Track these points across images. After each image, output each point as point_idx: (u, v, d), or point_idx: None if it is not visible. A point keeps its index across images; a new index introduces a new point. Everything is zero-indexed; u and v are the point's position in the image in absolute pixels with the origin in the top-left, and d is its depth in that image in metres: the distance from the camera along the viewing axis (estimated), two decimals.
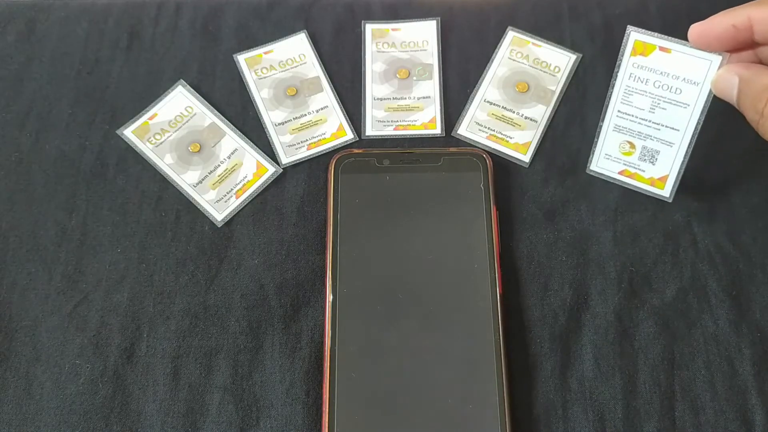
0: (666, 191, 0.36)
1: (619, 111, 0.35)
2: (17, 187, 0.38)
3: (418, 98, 0.41)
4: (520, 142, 0.39)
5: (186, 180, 0.38)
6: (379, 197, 0.36)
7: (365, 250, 0.35)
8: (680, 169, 0.35)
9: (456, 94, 0.41)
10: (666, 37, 0.33)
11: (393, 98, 0.41)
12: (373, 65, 0.42)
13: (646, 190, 0.36)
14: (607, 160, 0.36)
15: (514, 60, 0.41)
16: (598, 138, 0.36)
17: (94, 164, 0.39)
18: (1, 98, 0.41)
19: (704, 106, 0.33)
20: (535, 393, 0.33)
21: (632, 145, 0.35)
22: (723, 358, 0.33)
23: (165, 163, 0.39)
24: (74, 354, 0.34)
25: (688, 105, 0.33)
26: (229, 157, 0.39)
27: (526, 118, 0.40)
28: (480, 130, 0.40)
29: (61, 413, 0.33)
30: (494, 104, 0.40)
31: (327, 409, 0.31)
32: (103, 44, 0.42)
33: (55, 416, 0.33)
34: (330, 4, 0.44)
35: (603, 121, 0.36)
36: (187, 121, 0.40)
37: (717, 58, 0.31)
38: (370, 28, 0.43)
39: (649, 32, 0.33)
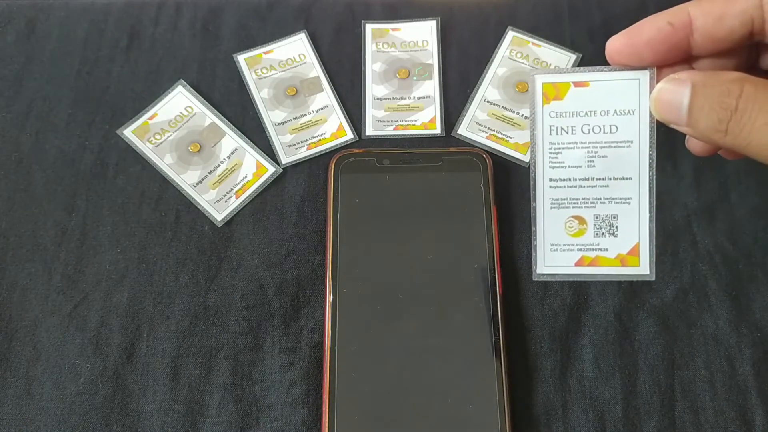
0: (643, 267, 0.28)
1: (550, 179, 0.27)
2: (17, 187, 0.38)
3: (418, 98, 0.41)
4: (520, 142, 0.39)
5: (186, 180, 0.38)
6: (379, 197, 0.36)
7: (365, 249, 0.35)
8: (650, 229, 0.28)
9: (456, 94, 0.41)
10: (577, 69, 0.27)
11: (393, 98, 0.41)
12: (373, 65, 0.42)
13: (618, 275, 0.28)
14: (555, 252, 0.28)
15: (514, 60, 0.41)
16: (535, 226, 0.28)
17: (94, 164, 0.39)
18: (1, 98, 0.41)
19: (651, 137, 0.27)
20: (535, 393, 0.33)
21: (581, 220, 0.28)
22: (723, 358, 0.33)
23: (165, 163, 0.39)
24: (74, 354, 0.34)
25: (632, 142, 0.27)
26: (229, 157, 0.39)
27: (526, 118, 0.40)
28: (480, 129, 0.40)
29: (61, 413, 0.33)
30: (494, 104, 0.40)
31: (327, 409, 0.31)
32: (103, 44, 0.42)
33: (55, 416, 0.33)
34: (330, 4, 0.44)
35: (535, 200, 0.28)
36: (187, 121, 0.40)
37: (645, 74, 0.26)
38: (370, 28, 0.43)
39: (556, 70, 0.27)
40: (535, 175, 0.28)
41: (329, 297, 0.34)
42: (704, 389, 0.33)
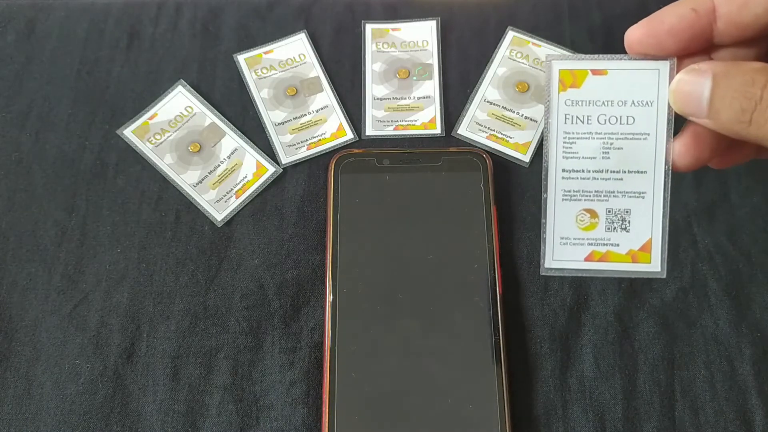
0: (655, 264, 0.27)
1: (563, 170, 0.26)
2: (17, 187, 0.38)
3: (418, 98, 0.41)
4: (520, 142, 0.39)
5: (186, 180, 0.38)
6: (379, 197, 0.36)
7: (365, 250, 0.35)
8: (663, 225, 0.27)
9: (456, 94, 0.41)
10: (595, 56, 0.26)
11: (393, 98, 0.41)
12: (373, 65, 0.42)
13: (629, 272, 0.27)
14: (565, 246, 0.27)
15: (514, 60, 0.41)
16: (545, 219, 0.27)
17: (94, 164, 0.39)
18: (1, 98, 0.41)
19: (668, 130, 0.26)
20: (535, 393, 0.33)
21: (593, 214, 0.27)
22: (723, 358, 0.33)
23: (165, 163, 0.39)
24: (74, 354, 0.34)
25: (648, 134, 0.26)
26: (229, 157, 0.39)
27: (526, 118, 0.40)
28: (480, 129, 0.40)
29: (61, 413, 0.33)
30: (494, 104, 0.40)
31: (327, 409, 0.31)
32: (103, 44, 0.42)
33: (55, 416, 0.33)
34: (330, 4, 0.44)
35: (546, 191, 0.27)
36: (187, 121, 0.40)
37: (665, 65, 0.25)
38: (370, 28, 0.43)
39: (573, 55, 0.26)
40: (547, 165, 0.26)
41: (329, 297, 0.34)
42: (704, 389, 0.33)
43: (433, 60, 0.42)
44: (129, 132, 0.40)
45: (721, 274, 0.35)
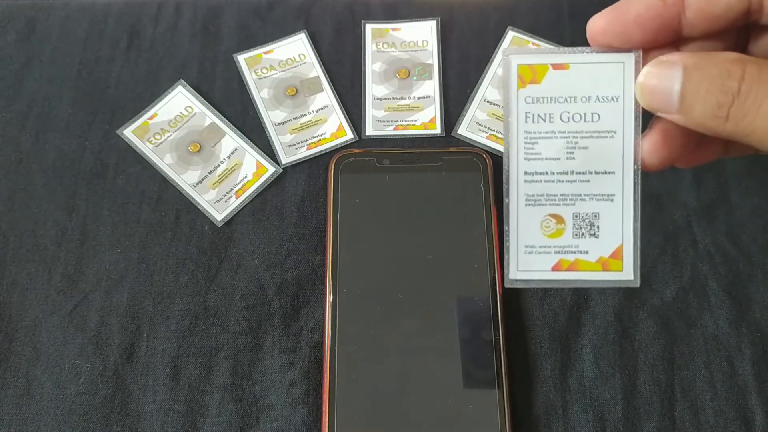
0: (627, 272, 0.25)
1: (525, 173, 0.25)
2: (17, 187, 0.38)
3: (418, 98, 0.41)
4: None
5: (186, 180, 0.38)
6: (379, 197, 0.36)
7: (365, 249, 0.35)
8: (635, 229, 0.24)
9: (456, 94, 0.41)
10: (556, 49, 0.24)
11: (393, 98, 0.41)
12: (373, 65, 0.42)
13: (600, 281, 0.25)
14: (530, 255, 0.25)
15: None
16: (508, 226, 0.25)
17: (94, 164, 0.39)
18: (1, 98, 0.41)
19: (636, 127, 0.24)
20: (535, 393, 0.33)
21: (559, 219, 0.25)
22: (723, 358, 0.33)
23: (165, 163, 0.39)
24: (74, 354, 0.34)
25: (615, 132, 0.24)
26: (229, 157, 0.39)
27: None
28: (480, 129, 0.40)
29: (61, 413, 0.33)
30: (494, 104, 0.40)
31: (327, 409, 0.31)
32: (103, 44, 0.42)
33: (55, 416, 0.33)
34: (330, 4, 0.44)
35: (508, 196, 0.25)
36: (187, 121, 0.40)
37: (630, 57, 0.23)
38: (370, 28, 0.43)
39: (533, 49, 0.25)
40: (508, 167, 0.25)
41: (329, 297, 0.34)
42: (704, 389, 0.33)
43: (433, 60, 0.42)
44: (129, 132, 0.40)
45: (721, 274, 0.35)
